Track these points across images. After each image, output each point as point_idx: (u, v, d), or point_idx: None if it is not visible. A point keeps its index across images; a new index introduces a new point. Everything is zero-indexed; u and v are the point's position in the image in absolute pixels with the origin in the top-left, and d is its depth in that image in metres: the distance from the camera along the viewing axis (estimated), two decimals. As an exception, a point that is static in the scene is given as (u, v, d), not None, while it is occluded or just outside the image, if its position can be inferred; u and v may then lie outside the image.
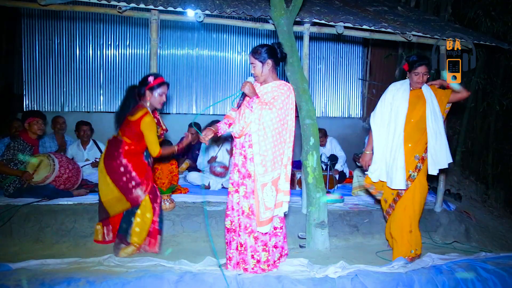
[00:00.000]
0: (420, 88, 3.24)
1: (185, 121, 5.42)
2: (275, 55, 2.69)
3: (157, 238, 3.14)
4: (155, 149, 3.01)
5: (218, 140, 4.85)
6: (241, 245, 2.68)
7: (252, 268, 2.66)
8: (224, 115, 2.93)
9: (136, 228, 3.04)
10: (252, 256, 2.66)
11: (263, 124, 2.51)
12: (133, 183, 3.02)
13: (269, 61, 2.66)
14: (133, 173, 3.02)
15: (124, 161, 3.01)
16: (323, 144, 5.53)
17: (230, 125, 2.85)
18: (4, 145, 4.16)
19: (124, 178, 3.01)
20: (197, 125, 5.14)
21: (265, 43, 2.76)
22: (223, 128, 2.83)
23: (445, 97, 3.30)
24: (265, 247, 2.68)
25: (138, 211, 3.04)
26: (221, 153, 4.94)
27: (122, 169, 3.01)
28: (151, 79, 3.07)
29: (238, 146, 2.72)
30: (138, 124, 2.97)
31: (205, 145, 2.82)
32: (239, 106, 2.72)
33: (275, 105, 2.55)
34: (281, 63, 2.83)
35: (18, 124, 4.63)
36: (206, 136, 2.71)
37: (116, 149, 3.04)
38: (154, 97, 3.08)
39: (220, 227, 3.54)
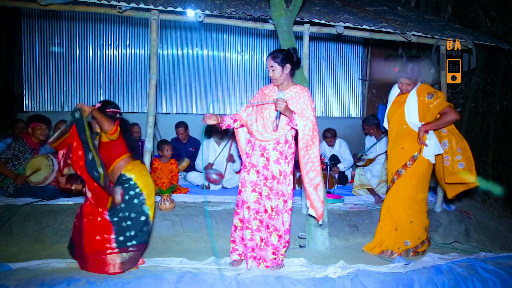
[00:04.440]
0: (408, 92, 3.28)
1: (185, 121, 5.43)
2: (292, 59, 2.77)
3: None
4: None
5: (221, 138, 4.87)
6: (261, 240, 2.76)
7: (272, 260, 2.77)
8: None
9: None
10: (273, 253, 2.76)
11: (309, 135, 2.68)
12: None
13: (288, 65, 2.75)
14: None
15: None
16: (331, 145, 5.49)
17: (235, 120, 2.97)
18: (6, 145, 4.15)
19: None
20: (184, 124, 5.31)
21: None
22: (227, 121, 2.94)
23: (434, 108, 3.15)
24: (286, 244, 2.83)
25: None
26: (221, 156, 4.93)
27: None
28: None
29: (258, 148, 2.78)
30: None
31: (203, 147, 2.84)
32: (277, 126, 2.70)
33: (311, 115, 2.70)
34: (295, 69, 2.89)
35: (22, 125, 4.59)
36: (209, 118, 2.81)
37: None
38: None
39: (221, 227, 3.53)
